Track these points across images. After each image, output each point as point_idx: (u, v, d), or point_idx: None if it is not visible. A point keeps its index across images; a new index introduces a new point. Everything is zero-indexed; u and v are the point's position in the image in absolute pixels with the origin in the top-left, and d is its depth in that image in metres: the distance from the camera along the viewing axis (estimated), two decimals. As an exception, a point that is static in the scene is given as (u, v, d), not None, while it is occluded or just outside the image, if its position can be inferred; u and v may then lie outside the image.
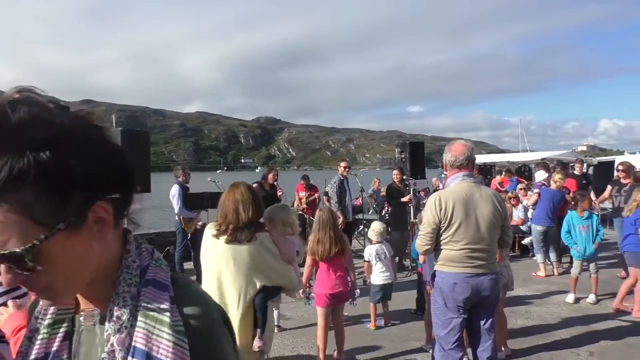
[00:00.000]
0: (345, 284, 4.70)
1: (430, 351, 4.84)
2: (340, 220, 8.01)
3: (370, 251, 5.73)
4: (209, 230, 3.14)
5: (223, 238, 3.04)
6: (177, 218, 7.88)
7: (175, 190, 7.82)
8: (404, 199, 8.64)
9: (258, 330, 3.02)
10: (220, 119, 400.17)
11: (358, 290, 5.13)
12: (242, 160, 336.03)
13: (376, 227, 5.89)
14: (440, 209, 3.37)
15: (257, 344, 3.02)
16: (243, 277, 3.01)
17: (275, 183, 8.20)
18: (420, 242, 3.48)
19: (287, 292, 3.27)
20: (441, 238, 3.41)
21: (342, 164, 8.79)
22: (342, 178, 8.69)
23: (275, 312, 5.13)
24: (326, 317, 4.62)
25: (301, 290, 4.89)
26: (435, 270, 3.50)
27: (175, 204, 7.77)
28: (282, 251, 3.09)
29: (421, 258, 3.88)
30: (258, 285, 3.01)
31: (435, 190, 12.76)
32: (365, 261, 5.71)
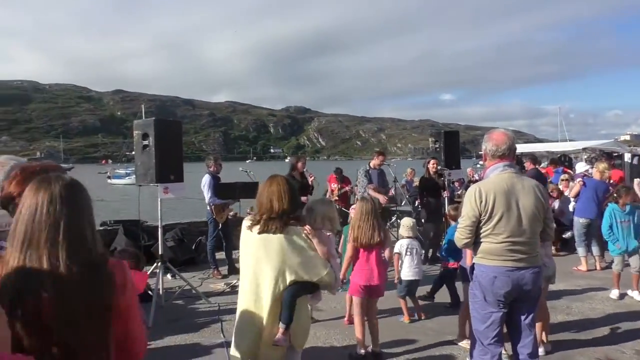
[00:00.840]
0: (383, 279, 4.71)
1: (462, 344, 4.81)
2: (381, 198, 8.01)
3: (400, 245, 5.74)
4: (245, 222, 3.19)
5: (256, 229, 3.07)
6: (208, 208, 8.00)
7: (206, 179, 7.94)
8: (445, 194, 8.65)
9: (281, 325, 3.02)
10: (249, 108, 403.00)
11: (398, 282, 5.18)
12: (272, 150, 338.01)
13: (406, 222, 5.88)
14: (481, 201, 3.31)
15: (276, 338, 3.02)
16: (274, 269, 3.02)
17: (305, 171, 8.19)
18: (460, 236, 3.42)
19: (325, 289, 3.22)
20: (481, 231, 3.35)
21: (381, 158, 8.79)
22: (367, 168, 8.66)
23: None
24: (362, 306, 4.64)
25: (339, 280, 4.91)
26: (474, 263, 3.45)
27: (206, 193, 7.88)
28: (318, 246, 3.07)
29: (468, 254, 3.76)
30: (288, 279, 3.02)
31: (470, 181, 12.56)
32: (395, 253, 5.67)
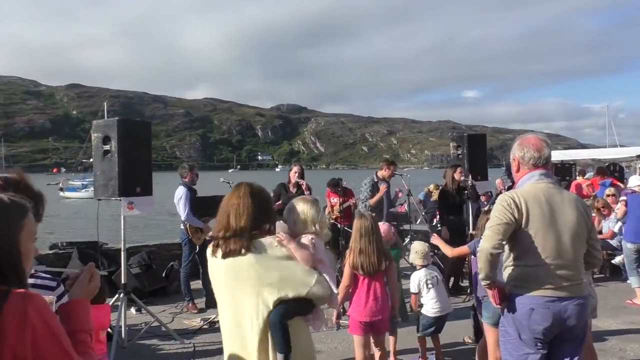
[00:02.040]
0: (387, 311, 4.69)
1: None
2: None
3: (417, 279, 5.57)
4: (209, 248, 3.14)
5: (219, 253, 3.04)
6: (182, 227, 7.98)
7: (180, 192, 7.92)
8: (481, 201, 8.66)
9: (278, 356, 2.97)
10: (232, 106, 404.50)
11: (399, 319, 5.11)
12: (260, 157, 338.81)
13: (418, 248, 5.69)
14: (516, 208, 3.30)
15: None
16: (252, 296, 2.97)
17: (298, 181, 8.13)
18: (487, 243, 3.32)
19: (320, 303, 3.10)
20: (514, 251, 3.34)
21: (392, 168, 8.84)
22: (375, 180, 8.67)
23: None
24: (365, 346, 4.61)
25: (334, 316, 4.89)
26: (507, 293, 3.42)
27: (182, 209, 7.86)
28: (297, 252, 3.00)
29: (482, 276, 3.60)
30: (271, 301, 2.97)
31: (498, 195, 12.55)
32: (413, 293, 5.60)
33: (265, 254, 2.97)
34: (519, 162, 3.54)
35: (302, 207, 3.30)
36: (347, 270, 4.66)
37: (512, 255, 3.36)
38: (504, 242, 3.33)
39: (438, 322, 5.62)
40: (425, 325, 5.61)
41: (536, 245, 3.28)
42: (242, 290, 3.00)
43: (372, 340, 4.77)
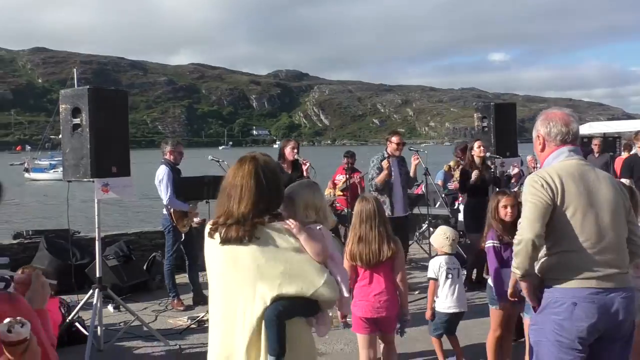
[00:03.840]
0: (394, 306, 4.73)
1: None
2: None
3: (438, 265, 5.60)
4: (207, 227, 3.16)
5: (217, 237, 3.05)
6: (165, 212, 8.01)
7: (162, 172, 7.92)
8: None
9: (269, 358, 2.98)
10: (223, 73, 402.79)
11: (409, 317, 5.12)
12: (254, 132, 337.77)
13: (445, 232, 5.75)
14: (549, 187, 3.33)
15: None
16: (248, 288, 2.97)
17: (296, 157, 8.10)
18: (528, 229, 3.32)
19: (327, 307, 3.14)
20: (548, 237, 3.33)
21: (394, 139, 8.72)
22: (386, 155, 8.63)
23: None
24: (370, 345, 4.66)
25: (339, 313, 4.91)
26: (545, 286, 3.41)
27: (164, 192, 7.87)
28: (308, 244, 3.01)
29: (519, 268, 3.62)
30: (269, 296, 2.98)
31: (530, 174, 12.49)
32: (430, 279, 5.62)
33: (270, 243, 2.97)
34: (544, 139, 3.60)
35: (303, 194, 3.33)
36: (345, 262, 4.64)
37: (547, 242, 3.37)
38: (543, 226, 3.32)
39: (452, 321, 5.64)
40: (437, 324, 5.63)
41: (574, 227, 3.30)
42: (237, 281, 3.01)
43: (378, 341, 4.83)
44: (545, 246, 3.38)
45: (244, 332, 2.98)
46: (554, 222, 3.34)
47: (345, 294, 3.14)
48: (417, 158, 8.65)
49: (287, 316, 2.97)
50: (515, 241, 3.44)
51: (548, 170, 3.45)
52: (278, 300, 2.95)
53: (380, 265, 4.64)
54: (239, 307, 3.01)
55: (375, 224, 4.62)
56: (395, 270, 4.77)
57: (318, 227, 3.17)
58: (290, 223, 3.02)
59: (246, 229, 2.96)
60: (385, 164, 8.35)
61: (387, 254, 4.59)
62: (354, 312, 4.70)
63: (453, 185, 10.72)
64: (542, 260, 3.42)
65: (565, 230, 3.32)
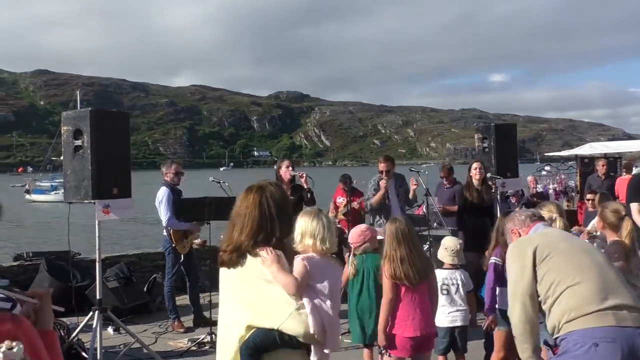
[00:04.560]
0: (433, 324, 4.83)
1: None
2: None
3: (440, 277, 5.61)
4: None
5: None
6: (165, 233, 8.01)
7: (162, 194, 7.95)
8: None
9: None
10: (224, 95, 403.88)
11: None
12: (255, 153, 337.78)
13: (449, 243, 5.82)
14: (528, 244, 3.49)
15: None
16: (231, 313, 3.12)
17: (292, 174, 8.06)
18: (518, 309, 3.43)
19: (306, 341, 3.03)
20: (547, 285, 3.34)
21: (380, 166, 8.66)
22: (384, 177, 8.64)
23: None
24: None
25: (380, 338, 4.81)
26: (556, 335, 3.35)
27: (163, 212, 7.89)
28: (279, 276, 2.98)
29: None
30: (243, 326, 3.00)
31: (532, 195, 12.49)
32: None
33: (249, 271, 3.04)
34: (517, 229, 3.84)
35: (301, 221, 3.36)
36: (387, 283, 4.69)
37: (548, 291, 3.35)
38: (536, 311, 3.38)
39: (453, 335, 5.61)
40: (438, 339, 5.55)
41: (570, 262, 3.36)
42: (226, 304, 3.18)
43: None
44: (549, 296, 3.35)
45: (225, 355, 3.07)
46: (547, 269, 3.37)
47: (316, 329, 2.96)
48: (416, 183, 8.65)
49: (261, 350, 2.98)
50: (512, 327, 3.53)
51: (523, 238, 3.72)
52: (253, 329, 2.98)
53: (421, 285, 4.70)
54: (229, 329, 3.12)
55: (413, 242, 4.73)
56: (431, 288, 4.86)
57: (303, 260, 3.15)
58: (268, 253, 3.01)
59: (234, 255, 3.07)
60: (382, 183, 8.35)
61: (430, 273, 4.76)
62: (400, 333, 4.66)
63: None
64: (553, 310, 3.35)
65: (562, 269, 3.34)
